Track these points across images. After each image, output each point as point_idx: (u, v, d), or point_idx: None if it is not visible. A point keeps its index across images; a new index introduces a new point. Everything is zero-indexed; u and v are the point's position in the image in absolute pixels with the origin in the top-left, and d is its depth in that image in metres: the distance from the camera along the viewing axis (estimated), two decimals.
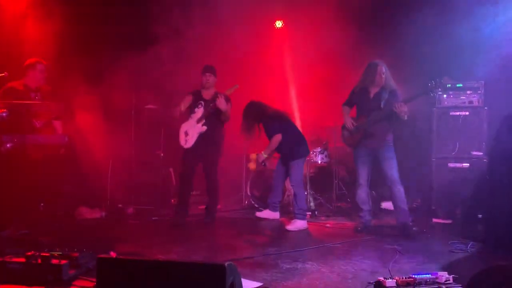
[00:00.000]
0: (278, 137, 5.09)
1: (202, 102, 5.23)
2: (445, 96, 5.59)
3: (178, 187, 5.45)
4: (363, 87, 4.83)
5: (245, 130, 5.18)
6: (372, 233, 4.69)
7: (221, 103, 5.05)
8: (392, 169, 4.66)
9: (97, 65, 6.06)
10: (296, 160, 5.07)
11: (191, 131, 5.17)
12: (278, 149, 5.20)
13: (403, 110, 4.45)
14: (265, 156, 5.20)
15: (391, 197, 4.80)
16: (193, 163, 5.23)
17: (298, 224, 4.96)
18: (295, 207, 5.05)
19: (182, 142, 5.20)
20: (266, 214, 5.40)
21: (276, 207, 5.40)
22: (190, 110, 5.27)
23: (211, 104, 5.11)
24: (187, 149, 5.18)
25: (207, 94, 5.29)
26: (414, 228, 4.67)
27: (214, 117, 5.19)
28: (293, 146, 5.12)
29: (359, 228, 4.81)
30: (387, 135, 4.73)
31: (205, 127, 5.13)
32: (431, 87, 4.42)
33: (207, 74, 5.27)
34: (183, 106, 5.25)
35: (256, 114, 5.18)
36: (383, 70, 4.69)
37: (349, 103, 5.04)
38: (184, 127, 5.23)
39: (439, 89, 4.49)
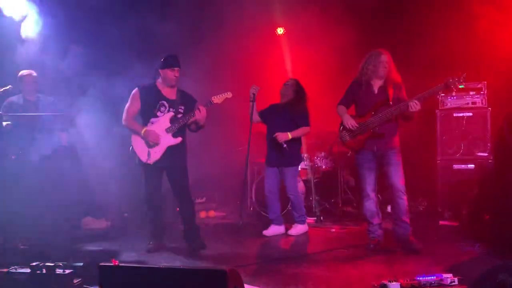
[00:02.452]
0: (308, 130, 4.92)
1: (166, 104, 4.19)
2: (448, 97, 5.58)
3: (148, 214, 4.45)
4: (365, 80, 4.21)
5: (302, 106, 4.85)
6: (388, 250, 4.14)
7: (202, 115, 4.13)
8: (399, 177, 4.11)
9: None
10: (295, 166, 5.00)
11: (159, 143, 4.15)
12: (276, 145, 4.83)
13: (418, 109, 3.93)
14: (290, 137, 4.78)
15: (392, 207, 4.28)
16: (158, 181, 4.30)
17: (299, 229, 4.96)
18: (294, 214, 5.04)
19: (142, 156, 4.14)
20: (272, 230, 5.07)
21: (281, 220, 5.17)
22: (148, 112, 4.21)
23: (192, 114, 4.16)
24: (150, 165, 4.16)
25: (170, 93, 4.25)
26: (417, 245, 4.05)
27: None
28: (299, 150, 5.03)
29: (372, 246, 4.20)
30: (396, 136, 4.21)
31: (180, 139, 4.19)
32: (453, 81, 3.90)
33: (177, 69, 4.19)
34: (131, 112, 4.22)
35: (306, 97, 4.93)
36: (387, 59, 4.13)
37: (346, 101, 4.38)
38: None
39: (461, 82, 3.93)
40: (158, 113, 4.16)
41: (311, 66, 6.77)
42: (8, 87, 4.61)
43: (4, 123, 4.44)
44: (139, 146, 4.15)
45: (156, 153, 4.13)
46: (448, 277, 2.80)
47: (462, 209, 5.24)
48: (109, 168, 5.63)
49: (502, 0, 5.41)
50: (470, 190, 5.18)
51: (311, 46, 6.78)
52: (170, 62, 4.16)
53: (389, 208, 5.94)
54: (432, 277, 2.82)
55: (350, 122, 4.20)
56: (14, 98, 4.82)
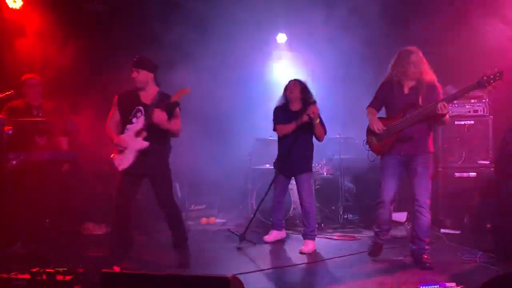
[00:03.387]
0: (324, 136, 4.71)
1: (142, 109, 3.97)
2: (449, 105, 5.56)
3: (113, 220, 4.17)
4: (395, 81, 3.97)
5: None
6: (370, 263, 4.05)
7: (158, 118, 3.84)
8: (424, 190, 3.81)
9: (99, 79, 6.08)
10: (309, 173, 4.78)
11: (128, 147, 3.92)
12: (290, 154, 4.63)
13: (446, 111, 3.70)
14: (317, 121, 4.49)
15: (413, 223, 3.95)
16: (131, 189, 4.02)
17: (311, 246, 4.59)
18: (307, 228, 4.65)
19: (116, 162, 3.96)
20: (274, 236, 5.06)
21: (282, 225, 5.18)
22: (124, 119, 4.02)
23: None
24: (123, 171, 3.94)
25: (146, 97, 4.02)
26: (430, 264, 3.79)
27: (158, 127, 3.94)
28: (311, 157, 4.83)
29: (372, 250, 4.10)
30: (428, 140, 3.93)
31: (146, 143, 3.88)
32: (487, 79, 3.58)
33: (134, 69, 3.97)
34: (113, 120, 4.07)
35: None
36: (418, 59, 3.88)
37: (376, 103, 4.13)
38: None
39: (497, 81, 3.58)
40: (134, 120, 3.95)
41: (313, 72, 6.78)
42: (10, 92, 4.61)
43: (5, 128, 4.42)
44: (115, 153, 4.01)
45: (128, 159, 3.90)
46: (451, 286, 2.79)
47: (464, 218, 5.24)
48: (109, 173, 5.62)
49: (506, 9, 5.42)
50: (471, 198, 5.19)
51: (314, 52, 6.79)
52: (131, 64, 4.00)
53: (393, 216, 5.94)
54: (436, 286, 2.81)
55: (377, 125, 3.96)
56: (16, 103, 4.81)
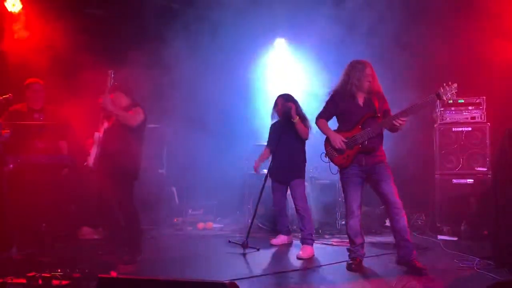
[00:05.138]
0: (308, 133, 4.80)
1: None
2: (447, 112, 5.61)
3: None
4: (348, 93, 4.01)
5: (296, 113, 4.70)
6: (368, 271, 3.95)
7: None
8: (394, 192, 3.87)
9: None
10: (302, 179, 4.89)
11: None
12: (283, 161, 4.78)
13: (403, 126, 3.84)
14: (295, 120, 4.64)
15: (392, 225, 3.95)
16: (100, 186, 4.29)
17: (309, 251, 4.60)
18: (304, 232, 4.70)
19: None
20: (280, 240, 5.20)
21: (289, 231, 5.30)
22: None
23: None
24: (92, 169, 4.20)
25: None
26: (424, 270, 3.72)
27: (119, 127, 4.18)
28: (304, 163, 4.94)
29: (353, 266, 3.96)
30: (382, 149, 4.04)
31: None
32: (445, 91, 3.69)
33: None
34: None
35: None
36: (371, 72, 3.96)
37: (327, 114, 4.19)
38: None
39: (453, 92, 3.69)
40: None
41: (311, 77, 6.80)
42: (8, 96, 4.60)
43: (3, 131, 4.41)
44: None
45: (91, 156, 4.18)
46: None
47: (461, 224, 5.24)
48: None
49: (502, 16, 5.46)
50: (469, 205, 5.20)
51: (311, 57, 6.82)
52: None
53: (388, 222, 5.94)
54: None
55: (338, 140, 4.00)
56: (18, 107, 4.81)
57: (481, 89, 5.52)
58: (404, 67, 5.88)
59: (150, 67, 6.02)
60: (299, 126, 4.70)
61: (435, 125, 5.66)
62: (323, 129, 4.17)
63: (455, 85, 3.69)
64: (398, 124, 3.81)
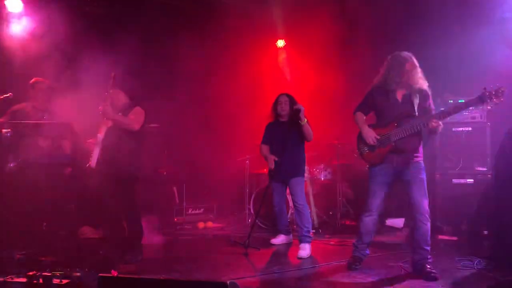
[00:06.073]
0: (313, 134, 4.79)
1: None
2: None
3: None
4: (388, 87, 3.82)
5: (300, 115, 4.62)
6: (368, 271, 3.91)
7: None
8: (423, 197, 3.68)
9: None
10: (301, 177, 4.91)
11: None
12: (285, 161, 4.77)
13: (439, 127, 3.62)
14: (303, 122, 4.61)
15: (413, 231, 3.79)
16: (101, 187, 4.30)
17: (308, 250, 4.62)
18: (302, 230, 4.72)
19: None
20: (281, 239, 5.22)
21: (289, 230, 5.30)
22: None
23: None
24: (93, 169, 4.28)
25: None
26: (435, 274, 3.62)
27: (117, 129, 4.26)
28: (303, 161, 4.99)
29: (354, 266, 3.94)
30: (419, 150, 3.82)
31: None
32: (489, 94, 3.45)
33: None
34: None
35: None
36: (413, 67, 3.72)
37: (364, 108, 4.00)
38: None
39: (499, 98, 3.44)
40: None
41: (310, 78, 6.81)
42: (8, 95, 4.60)
43: (4, 130, 4.41)
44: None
45: (93, 157, 4.23)
46: None
47: (461, 224, 5.24)
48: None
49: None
50: (469, 205, 5.19)
51: (311, 58, 6.82)
52: None
53: (388, 222, 5.95)
54: None
55: (371, 136, 3.82)
56: (21, 106, 4.80)
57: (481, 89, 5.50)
58: None
59: (150, 67, 6.04)
60: (307, 128, 4.72)
61: None
62: (358, 122, 3.97)
63: (503, 87, 3.44)
64: (431, 127, 3.60)
